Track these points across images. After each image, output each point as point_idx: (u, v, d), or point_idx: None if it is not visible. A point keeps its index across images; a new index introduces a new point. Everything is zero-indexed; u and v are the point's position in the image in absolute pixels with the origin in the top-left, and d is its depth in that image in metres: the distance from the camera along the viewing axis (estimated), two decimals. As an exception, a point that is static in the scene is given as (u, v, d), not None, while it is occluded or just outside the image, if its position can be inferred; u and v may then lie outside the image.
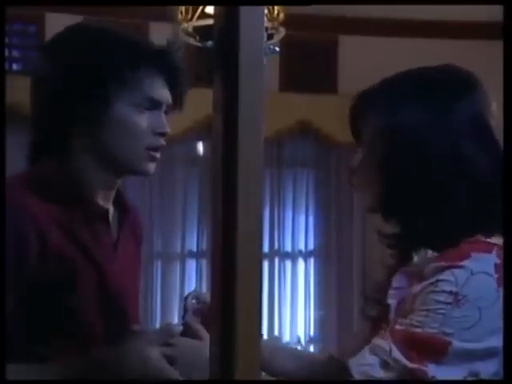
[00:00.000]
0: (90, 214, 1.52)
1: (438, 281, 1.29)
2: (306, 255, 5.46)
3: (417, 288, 1.33)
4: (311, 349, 5.47)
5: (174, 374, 1.38)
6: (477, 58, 4.22)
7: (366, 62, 5.11)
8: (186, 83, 1.61)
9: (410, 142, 1.37)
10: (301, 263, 5.45)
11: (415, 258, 1.37)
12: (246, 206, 0.76)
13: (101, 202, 1.55)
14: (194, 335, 1.50)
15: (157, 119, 1.54)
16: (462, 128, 1.37)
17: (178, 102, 1.60)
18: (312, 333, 5.45)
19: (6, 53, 4.97)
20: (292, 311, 5.39)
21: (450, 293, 1.28)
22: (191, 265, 5.30)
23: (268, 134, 4.74)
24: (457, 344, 1.27)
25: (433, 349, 1.28)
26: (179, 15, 3.33)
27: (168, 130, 1.55)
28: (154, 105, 1.53)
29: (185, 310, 1.63)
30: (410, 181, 1.38)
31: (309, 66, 5.41)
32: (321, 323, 5.46)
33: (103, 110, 1.49)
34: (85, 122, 1.50)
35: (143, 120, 1.52)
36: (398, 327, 1.31)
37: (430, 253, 1.35)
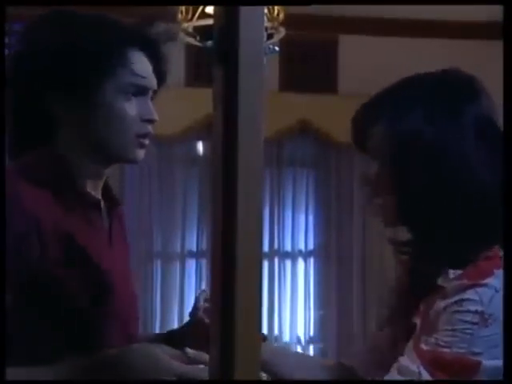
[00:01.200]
0: (84, 202, 1.52)
1: (462, 300, 1.28)
2: (305, 255, 5.46)
3: (439, 305, 1.31)
4: (311, 349, 5.47)
5: (182, 370, 1.37)
6: (476, 58, 4.22)
7: (365, 61, 5.12)
8: (168, 66, 1.60)
9: (420, 151, 1.35)
10: (301, 263, 5.45)
11: (439, 280, 1.35)
12: (245, 205, 0.76)
13: (92, 192, 1.55)
14: (203, 332, 1.53)
15: (144, 106, 1.53)
16: (472, 134, 1.35)
17: (160, 85, 1.60)
18: (312, 333, 5.45)
19: (6, 53, 4.96)
20: (292, 311, 5.39)
21: (476, 312, 1.26)
22: (191, 264, 5.30)
23: (268, 133, 4.74)
24: (487, 363, 1.26)
25: (463, 370, 1.26)
26: (179, 15, 3.33)
27: (156, 117, 1.54)
28: (141, 90, 1.53)
29: (194, 308, 1.66)
30: (423, 191, 1.35)
31: (309, 66, 5.41)
32: (320, 323, 5.46)
33: (89, 97, 1.48)
34: (71, 109, 1.49)
35: (130, 107, 1.51)
36: (424, 347, 1.29)
37: (451, 273, 1.32)
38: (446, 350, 1.27)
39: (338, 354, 5.25)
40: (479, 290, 1.28)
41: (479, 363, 1.26)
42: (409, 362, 1.29)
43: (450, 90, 1.40)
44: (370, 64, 5.05)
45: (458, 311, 1.28)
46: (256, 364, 0.74)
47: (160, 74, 1.58)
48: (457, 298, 1.29)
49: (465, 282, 1.29)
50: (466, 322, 1.27)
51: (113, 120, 1.50)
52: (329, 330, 5.40)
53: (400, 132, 1.37)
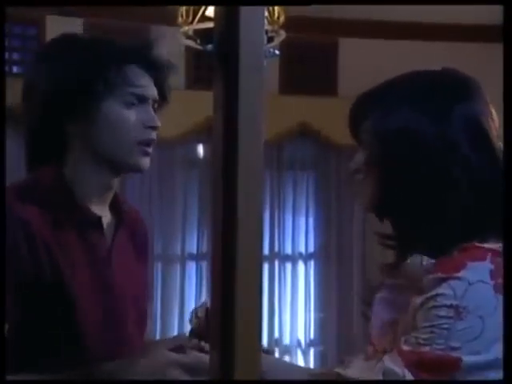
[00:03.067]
0: (83, 221, 1.52)
1: (437, 295, 1.29)
2: (306, 257, 5.46)
3: (416, 301, 1.32)
4: (311, 351, 5.47)
5: (173, 357, 1.38)
6: (477, 61, 4.22)
7: (365, 64, 5.12)
8: (169, 79, 1.63)
9: (406, 145, 1.37)
10: (301, 265, 5.45)
11: (408, 261, 1.36)
12: (246, 207, 0.76)
13: (95, 208, 1.55)
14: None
15: (146, 113, 1.55)
16: (459, 132, 1.37)
17: (163, 97, 1.62)
18: (312, 335, 5.45)
19: (7, 55, 4.96)
20: (292, 314, 5.38)
21: (451, 306, 1.27)
22: (191, 267, 5.30)
23: (268, 136, 4.74)
24: (467, 359, 1.26)
25: (445, 369, 1.27)
26: (179, 18, 3.33)
27: (158, 123, 1.57)
28: (141, 99, 1.55)
29: (191, 321, 1.67)
30: (405, 183, 1.37)
31: (309, 69, 5.41)
32: (321, 326, 5.46)
33: (92, 109, 1.51)
34: (76, 121, 1.51)
35: (132, 114, 1.53)
36: (405, 348, 1.30)
37: (425, 259, 1.34)
38: (426, 348, 1.28)
39: (338, 357, 5.25)
40: (452, 283, 1.28)
41: (460, 360, 1.26)
42: (393, 365, 1.29)
43: (442, 89, 1.42)
44: (369, 67, 5.05)
45: (434, 306, 1.29)
46: (256, 365, 0.74)
47: (161, 90, 1.61)
48: (432, 292, 1.30)
49: (439, 275, 1.30)
50: (441, 317, 1.28)
51: (114, 129, 1.52)
52: (329, 333, 5.40)
53: (388, 126, 1.39)
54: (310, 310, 5.42)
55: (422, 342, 1.29)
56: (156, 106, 1.60)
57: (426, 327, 1.29)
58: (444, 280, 1.29)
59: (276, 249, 5.36)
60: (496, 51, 2.79)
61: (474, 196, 1.35)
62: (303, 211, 5.47)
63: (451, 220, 1.35)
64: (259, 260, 0.77)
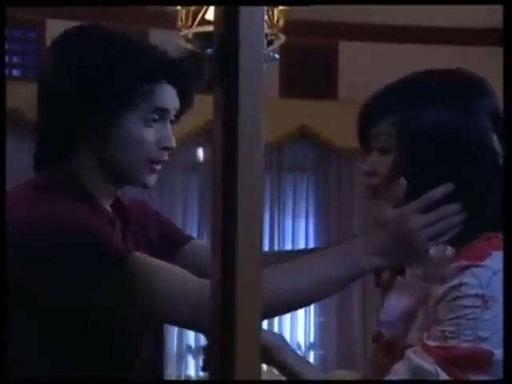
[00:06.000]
0: (103, 218, 1.50)
1: (460, 284, 1.27)
2: (305, 260, 5.45)
3: (438, 292, 1.30)
4: (311, 355, 5.46)
5: None
6: (477, 64, 4.23)
7: (366, 67, 5.13)
8: (193, 88, 1.59)
9: (434, 143, 1.35)
10: (301, 268, 5.44)
11: (432, 251, 1.34)
12: (246, 210, 0.77)
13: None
14: None
15: (164, 131, 1.51)
16: (487, 126, 1.36)
17: (186, 102, 1.58)
18: (312, 339, 5.44)
19: (6, 59, 4.97)
20: (292, 317, 5.38)
21: (476, 296, 1.26)
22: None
23: (268, 139, 4.75)
24: (498, 353, 1.25)
25: (477, 364, 1.26)
26: (179, 22, 3.33)
27: (173, 144, 1.53)
28: (163, 114, 1.51)
29: None
30: (435, 181, 1.35)
31: (309, 72, 5.42)
32: (321, 329, 5.45)
33: (111, 122, 1.46)
34: (90, 130, 1.47)
35: (149, 133, 1.49)
36: (431, 343, 1.28)
37: (448, 249, 1.33)
38: (454, 341, 1.26)
39: (338, 361, 5.25)
40: (476, 271, 1.27)
41: (491, 354, 1.25)
42: (422, 361, 1.27)
43: (463, 85, 1.41)
44: (369, 70, 5.06)
45: (459, 297, 1.27)
46: (256, 364, 0.74)
47: (184, 99, 1.57)
48: (455, 282, 1.28)
49: (463, 263, 1.29)
50: (467, 307, 1.26)
51: (130, 146, 1.48)
52: (329, 336, 5.39)
53: (416, 125, 1.36)
54: (309, 314, 5.42)
55: (448, 335, 1.26)
56: (175, 117, 1.56)
57: (451, 319, 1.27)
58: (467, 268, 1.28)
59: (276, 252, 5.36)
60: (497, 55, 2.79)
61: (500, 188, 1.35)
62: (303, 214, 5.47)
63: (478, 212, 1.34)
64: (259, 261, 0.78)
